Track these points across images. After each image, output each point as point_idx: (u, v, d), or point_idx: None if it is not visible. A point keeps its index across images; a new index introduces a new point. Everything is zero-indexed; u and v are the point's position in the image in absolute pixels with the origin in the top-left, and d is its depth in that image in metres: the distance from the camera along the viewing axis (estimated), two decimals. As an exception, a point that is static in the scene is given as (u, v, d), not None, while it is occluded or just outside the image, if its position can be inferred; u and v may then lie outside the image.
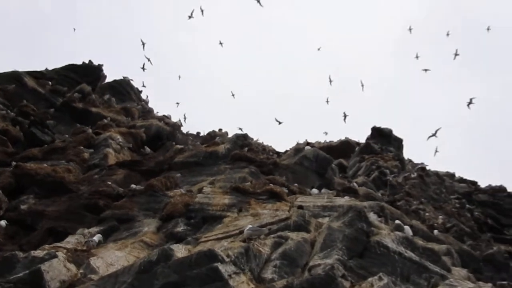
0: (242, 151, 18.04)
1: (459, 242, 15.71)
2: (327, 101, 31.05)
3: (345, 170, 27.85)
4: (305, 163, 17.02)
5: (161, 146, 22.65)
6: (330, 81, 30.12)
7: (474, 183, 31.32)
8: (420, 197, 23.06)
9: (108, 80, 33.11)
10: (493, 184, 31.43)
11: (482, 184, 31.35)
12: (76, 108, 25.80)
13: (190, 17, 24.46)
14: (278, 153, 25.18)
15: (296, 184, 14.97)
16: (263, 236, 9.39)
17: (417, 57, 30.97)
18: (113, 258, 9.62)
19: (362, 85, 29.37)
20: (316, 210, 11.60)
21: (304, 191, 14.13)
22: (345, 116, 25.98)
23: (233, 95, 33.82)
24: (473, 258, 14.62)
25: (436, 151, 27.14)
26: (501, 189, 29.98)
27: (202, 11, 25.13)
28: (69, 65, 31.76)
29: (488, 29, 32.16)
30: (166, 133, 25.21)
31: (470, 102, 24.55)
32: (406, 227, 10.15)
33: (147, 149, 22.28)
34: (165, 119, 29.88)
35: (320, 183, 15.71)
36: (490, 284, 7.46)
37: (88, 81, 29.60)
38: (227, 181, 14.89)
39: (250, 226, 9.63)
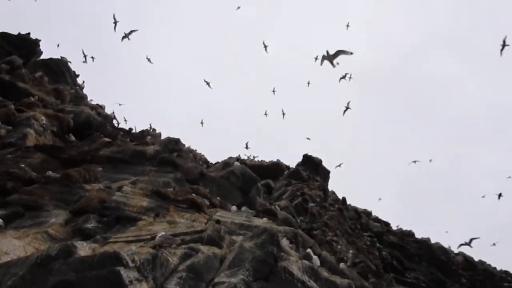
0: (171, 155, 17.73)
1: (362, 279, 16.41)
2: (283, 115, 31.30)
3: (271, 192, 28.32)
4: (232, 178, 17.08)
5: (88, 136, 21.63)
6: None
7: (387, 224, 33.16)
8: (336, 229, 23.92)
9: (44, 57, 31.21)
10: (404, 228, 33.52)
11: (394, 226, 33.31)
12: (1, 79, 23.99)
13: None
14: (207, 164, 25.09)
15: (218, 198, 14.95)
16: (175, 245, 9.23)
17: None
18: (10, 246, 8.96)
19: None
20: (233, 227, 11.62)
21: (225, 206, 14.14)
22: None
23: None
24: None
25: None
26: (409, 233, 31.98)
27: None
28: (3, 32, 29.33)
29: None
30: (96, 123, 24.06)
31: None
32: (314, 257, 10.43)
33: (72, 137, 21.18)
34: (98, 108, 28.71)
35: (242, 200, 15.81)
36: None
37: (21, 54, 27.63)
38: (150, 183, 14.52)
39: (163, 233, 9.43)
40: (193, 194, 13.55)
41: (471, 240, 25.76)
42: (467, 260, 31.37)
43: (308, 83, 30.80)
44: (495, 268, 32.54)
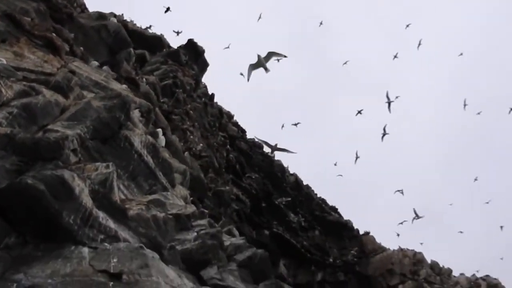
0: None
1: (201, 171, 17.32)
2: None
3: (144, 64, 27.09)
4: (103, 33, 15.67)
5: None
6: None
7: (243, 131, 34.88)
8: (195, 121, 24.37)
9: None
10: (257, 140, 35.63)
11: (251, 135, 35.20)
12: None
13: None
14: (84, 10, 22.54)
15: (82, 48, 13.70)
16: (14, 79, 8.32)
17: None
18: None
19: None
20: (87, 82, 10.85)
21: (86, 59, 13.07)
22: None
23: None
24: (203, 187, 16.36)
25: None
26: (259, 146, 34.29)
27: None
28: None
29: None
30: None
31: None
32: (161, 137, 10.53)
33: None
34: None
35: (107, 60, 14.79)
36: (195, 209, 8.44)
37: None
38: (6, 3, 12.47)
39: (4, 61, 8.39)
40: (54, 34, 12.10)
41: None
42: (297, 182, 35.36)
43: None
44: (316, 194, 37.41)
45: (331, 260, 33.11)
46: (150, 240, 6.21)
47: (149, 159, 8.60)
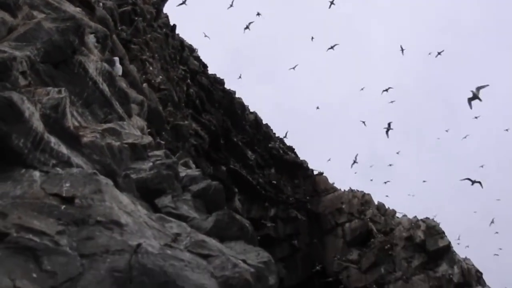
0: None
1: (159, 103, 17.06)
2: None
3: (101, -12, 25.43)
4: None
5: None
6: None
7: (205, 66, 34.19)
8: (155, 52, 23.58)
9: None
10: (219, 76, 35.15)
11: (212, 71, 34.61)
12: None
13: None
14: None
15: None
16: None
17: None
18: None
19: None
20: (37, 1, 10.09)
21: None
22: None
23: None
24: (161, 120, 16.20)
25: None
26: (221, 82, 33.91)
27: None
28: None
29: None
30: None
31: None
32: (118, 66, 10.18)
33: None
34: None
35: (61, -21, 13.71)
36: (151, 140, 8.40)
37: None
38: None
39: None
40: None
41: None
42: (257, 120, 35.63)
43: None
44: (275, 133, 38.01)
45: (284, 197, 34.41)
46: (104, 168, 6.19)
47: (104, 87, 8.34)
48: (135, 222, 5.15)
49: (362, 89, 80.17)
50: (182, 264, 4.76)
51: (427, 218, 33.13)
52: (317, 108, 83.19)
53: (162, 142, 10.34)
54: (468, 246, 42.55)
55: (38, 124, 5.36)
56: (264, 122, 36.72)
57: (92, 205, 4.87)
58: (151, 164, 7.18)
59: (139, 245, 4.71)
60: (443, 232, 31.43)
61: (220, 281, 4.78)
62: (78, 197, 4.90)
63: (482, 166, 44.82)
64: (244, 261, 5.28)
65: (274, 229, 32.89)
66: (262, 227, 31.93)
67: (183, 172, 7.76)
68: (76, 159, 5.88)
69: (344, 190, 36.52)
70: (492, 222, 33.46)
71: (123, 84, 9.80)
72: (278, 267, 30.29)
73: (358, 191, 36.41)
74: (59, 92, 6.56)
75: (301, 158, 38.00)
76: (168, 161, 7.45)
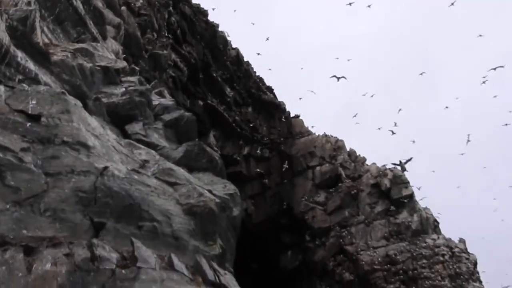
0: None
1: (138, 29, 16.43)
2: None
3: None
4: None
5: None
6: None
7: (189, -5, 32.61)
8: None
9: None
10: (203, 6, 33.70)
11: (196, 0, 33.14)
12: None
13: None
14: None
15: None
16: None
17: None
18: None
19: None
20: None
21: None
22: None
23: None
24: (139, 47, 15.69)
25: None
26: (204, 13, 32.66)
27: None
28: None
29: None
30: None
31: None
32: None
33: None
34: None
35: None
36: (126, 65, 8.15)
37: None
38: None
39: None
40: None
41: None
42: (238, 57, 34.89)
43: None
44: (255, 72, 37.49)
45: (259, 137, 34.69)
46: (74, 88, 6.02)
47: (78, 4, 7.93)
48: (103, 146, 5.12)
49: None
50: (148, 190, 4.82)
51: (395, 167, 34.14)
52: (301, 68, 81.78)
53: (137, 68, 10.03)
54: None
55: (3, 35, 5.10)
56: (245, 60, 36.04)
57: (59, 125, 4.79)
58: (123, 89, 7.01)
59: (105, 168, 4.72)
60: (408, 182, 32.59)
61: (185, 208, 4.88)
62: (45, 116, 4.80)
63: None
64: (210, 191, 5.39)
65: (246, 167, 33.44)
66: (235, 163, 32.42)
67: (156, 100, 7.63)
68: (44, 77, 5.69)
69: (318, 135, 36.96)
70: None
71: (99, 3, 9.33)
72: (247, 203, 30.94)
73: (332, 136, 36.92)
74: (28, 4, 6.21)
75: (279, 100, 37.93)
76: (141, 88, 7.29)
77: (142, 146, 5.90)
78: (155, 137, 6.53)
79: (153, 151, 5.93)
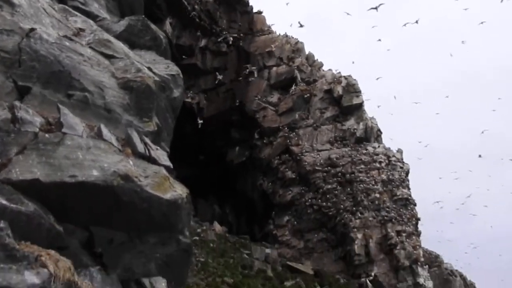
0: None
1: None
2: None
3: None
4: None
5: None
6: None
7: None
8: None
9: None
10: None
11: None
12: None
13: None
14: None
15: None
16: None
17: None
18: None
19: None
20: None
21: None
22: None
23: None
24: None
25: None
26: None
27: None
28: None
29: None
30: None
31: None
32: None
33: None
34: None
35: None
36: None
37: None
38: None
39: None
40: None
41: None
42: None
43: None
44: None
45: (218, 30, 33.39)
46: None
47: None
48: (31, 6, 4.66)
49: None
50: (81, 59, 4.54)
51: (349, 75, 34.52)
52: None
53: None
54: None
55: None
56: None
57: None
58: None
59: (32, 29, 4.34)
60: (360, 91, 33.34)
61: (120, 82, 4.68)
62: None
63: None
64: (150, 69, 5.17)
65: (202, 60, 32.58)
66: (191, 55, 31.45)
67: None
68: None
69: (279, 34, 36.08)
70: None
71: None
72: (200, 97, 30.64)
73: (292, 37, 36.20)
74: None
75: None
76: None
77: (79, 14, 5.44)
78: (95, 7, 6.01)
79: (91, 21, 5.49)
